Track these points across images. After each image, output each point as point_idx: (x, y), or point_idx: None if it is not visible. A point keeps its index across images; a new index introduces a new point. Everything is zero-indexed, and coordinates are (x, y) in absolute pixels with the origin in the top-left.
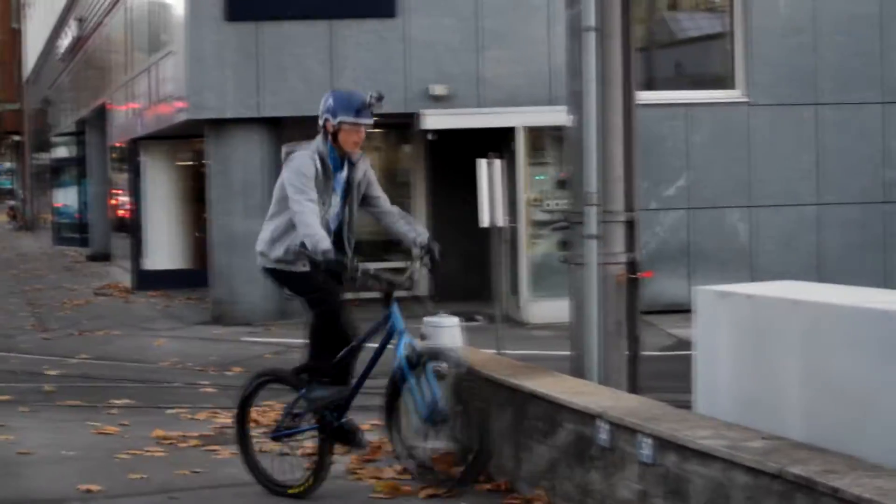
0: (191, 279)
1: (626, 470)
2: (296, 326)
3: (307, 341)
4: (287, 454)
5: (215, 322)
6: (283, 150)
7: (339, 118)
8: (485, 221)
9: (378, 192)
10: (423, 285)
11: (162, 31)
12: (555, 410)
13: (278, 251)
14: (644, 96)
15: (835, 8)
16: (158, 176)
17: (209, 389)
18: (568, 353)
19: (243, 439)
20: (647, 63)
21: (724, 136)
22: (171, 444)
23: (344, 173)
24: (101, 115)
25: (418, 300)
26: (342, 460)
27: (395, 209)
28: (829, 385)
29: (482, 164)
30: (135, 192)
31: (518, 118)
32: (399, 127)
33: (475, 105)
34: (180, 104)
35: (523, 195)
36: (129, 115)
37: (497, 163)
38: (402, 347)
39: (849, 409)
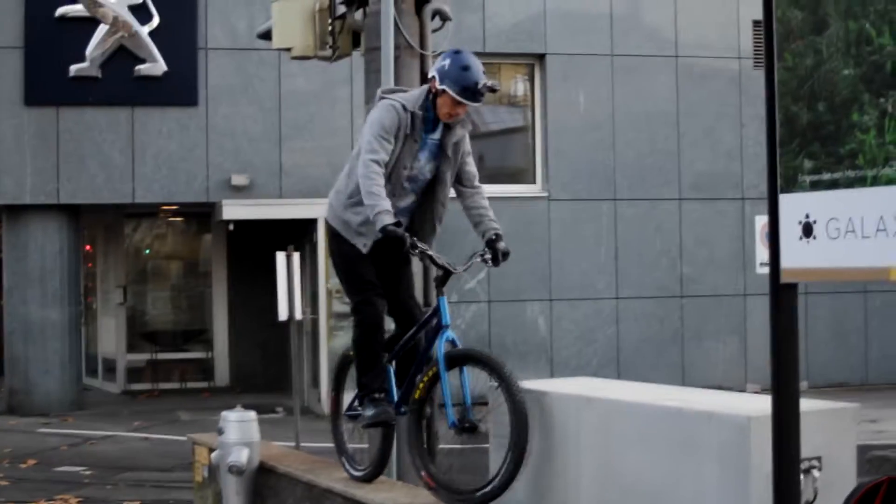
0: None
1: None
2: (92, 417)
3: (353, 354)
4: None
5: (10, 412)
6: (378, 92)
7: (444, 86)
8: (283, 315)
9: (470, 167)
10: (223, 376)
11: None
12: None
13: (354, 216)
14: None
15: (632, 106)
16: None
17: (2, 482)
18: (367, 445)
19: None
20: None
21: (524, 229)
22: None
23: (437, 135)
24: None
25: (217, 391)
26: None
27: (481, 188)
28: (621, 482)
29: (280, 257)
30: None
31: (319, 209)
32: (199, 216)
33: (276, 195)
34: None
35: (324, 287)
36: None
37: (296, 256)
38: (442, 345)
39: None
